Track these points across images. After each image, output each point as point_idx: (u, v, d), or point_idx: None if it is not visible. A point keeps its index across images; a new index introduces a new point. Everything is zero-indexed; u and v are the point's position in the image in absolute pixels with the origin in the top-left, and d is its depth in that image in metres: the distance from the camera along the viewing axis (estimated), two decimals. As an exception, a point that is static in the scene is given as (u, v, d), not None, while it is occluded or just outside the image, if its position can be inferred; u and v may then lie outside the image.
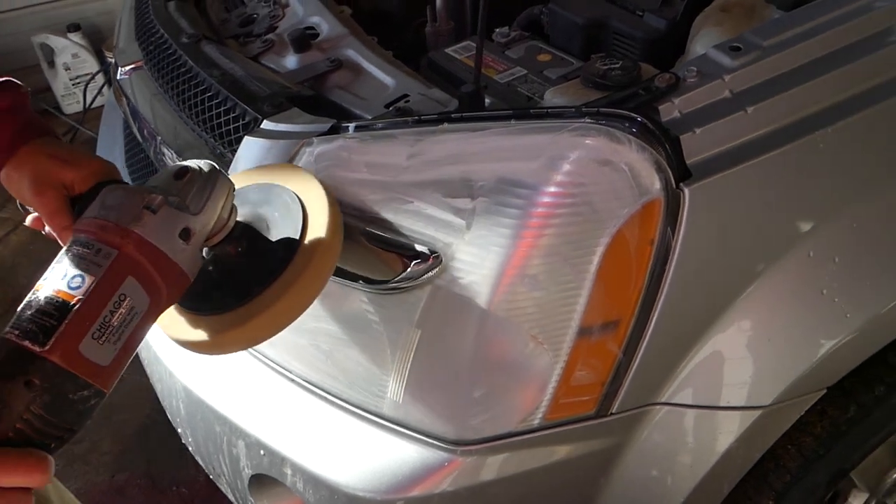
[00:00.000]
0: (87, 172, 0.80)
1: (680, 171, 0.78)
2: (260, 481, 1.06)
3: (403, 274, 0.84)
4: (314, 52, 1.21)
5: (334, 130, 0.94)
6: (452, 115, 0.85)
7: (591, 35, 1.16)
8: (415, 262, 0.83)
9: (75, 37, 3.29)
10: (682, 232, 0.79)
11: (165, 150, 1.21)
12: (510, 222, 0.78)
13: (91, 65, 3.32)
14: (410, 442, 0.91)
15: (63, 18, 3.32)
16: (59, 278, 0.62)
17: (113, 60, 1.46)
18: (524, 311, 0.80)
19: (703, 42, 0.98)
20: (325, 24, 1.26)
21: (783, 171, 0.81)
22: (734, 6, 1.02)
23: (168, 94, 1.22)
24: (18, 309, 0.62)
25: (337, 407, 0.97)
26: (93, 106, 3.17)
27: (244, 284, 0.76)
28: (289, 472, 0.99)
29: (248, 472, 1.07)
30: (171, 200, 0.68)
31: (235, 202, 0.77)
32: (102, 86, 3.22)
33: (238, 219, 0.79)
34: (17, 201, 0.83)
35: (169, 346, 1.24)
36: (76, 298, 0.60)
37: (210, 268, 0.77)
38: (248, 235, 0.79)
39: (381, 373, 0.89)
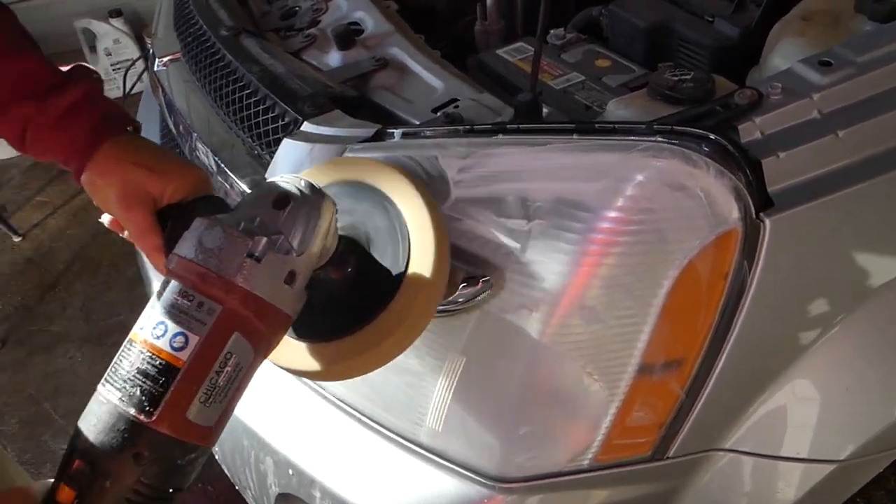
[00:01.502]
0: (178, 185, 0.74)
1: (761, 200, 0.70)
2: (287, 500, 1.01)
3: (450, 297, 0.77)
4: (358, 49, 1.14)
5: (379, 136, 0.87)
6: (508, 127, 0.78)
7: (655, 41, 1.08)
8: (462, 285, 0.76)
9: (117, 22, 3.28)
10: (759, 267, 0.71)
11: (200, 146, 1.16)
12: (569, 248, 0.71)
13: (132, 51, 3.31)
14: (447, 474, 0.85)
15: (105, 4, 3.31)
16: (160, 335, 0.57)
17: (151, 49, 1.41)
18: (579, 345, 0.73)
19: (783, 54, 0.90)
20: (370, 19, 1.20)
21: (877, 205, 0.73)
22: (817, 14, 0.93)
23: (205, 89, 1.17)
24: (116, 360, 0.58)
25: (372, 430, 0.91)
26: (132, 92, 3.16)
27: (350, 310, 0.70)
28: (318, 494, 0.94)
29: (275, 490, 1.01)
30: (274, 242, 0.61)
31: None
32: (142, 72, 3.19)
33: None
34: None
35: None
36: (181, 361, 0.56)
37: (310, 293, 0.69)
38: (351, 256, 0.72)
39: (420, 399, 0.83)
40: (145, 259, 1.35)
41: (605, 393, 0.76)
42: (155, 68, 1.35)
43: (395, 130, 0.87)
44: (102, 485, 0.54)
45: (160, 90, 1.32)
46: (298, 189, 0.64)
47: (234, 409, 0.61)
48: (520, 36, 1.38)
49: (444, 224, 0.71)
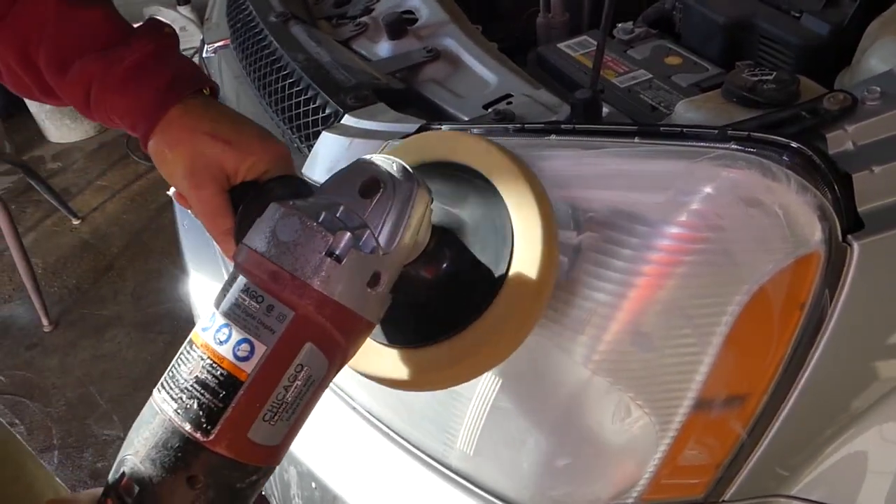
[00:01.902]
0: (255, 160, 0.65)
1: (849, 220, 0.61)
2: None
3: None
4: (410, 39, 1.09)
5: (422, 132, 0.81)
6: (562, 126, 0.71)
7: (733, 37, 0.98)
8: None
9: (184, 10, 3.31)
10: (843, 296, 0.62)
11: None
12: (623, 265, 0.63)
13: (198, 38, 3.32)
14: (477, 500, 0.78)
15: (173, -9, 3.34)
16: (223, 340, 0.50)
17: (202, 35, 1.38)
18: (630, 374, 0.65)
19: (881, 55, 0.79)
20: (424, 8, 1.13)
21: None
22: (922, 12, 0.83)
23: (251, 77, 1.13)
24: (175, 363, 0.52)
25: (400, 448, 0.84)
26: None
27: (443, 313, 0.62)
28: (340, 511, 0.88)
29: (298, 502, 0.96)
30: (358, 238, 0.52)
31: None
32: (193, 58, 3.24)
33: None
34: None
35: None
36: (245, 374, 0.49)
37: (398, 292, 0.60)
38: (446, 251, 0.63)
39: (452, 419, 0.76)
40: (183, 236, 1.33)
41: (656, 428, 0.68)
42: (204, 55, 1.31)
43: (439, 126, 0.80)
44: None
45: (208, 77, 1.29)
46: (390, 174, 0.55)
47: (302, 425, 0.53)
48: (585, 30, 1.30)
49: (553, 214, 0.61)
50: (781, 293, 0.62)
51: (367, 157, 0.57)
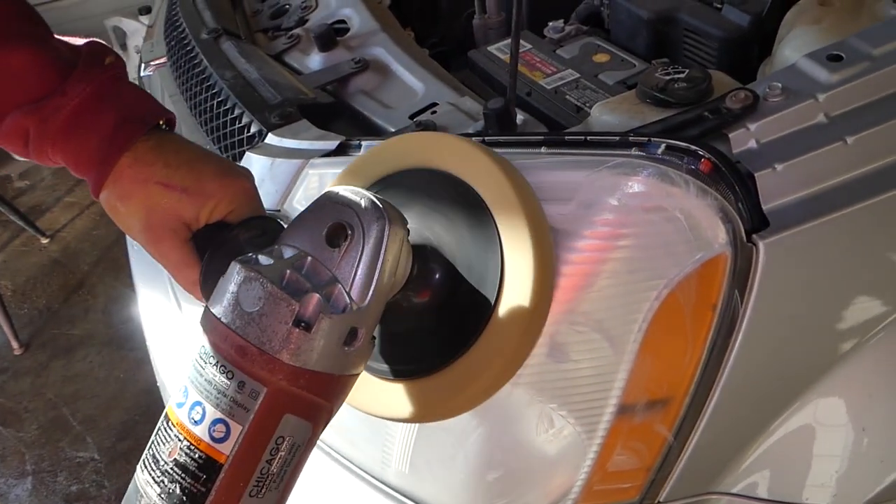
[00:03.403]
0: (216, 203, 0.60)
1: (753, 220, 0.61)
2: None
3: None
4: (341, 50, 1.08)
5: (342, 150, 0.81)
6: (472, 139, 0.70)
7: (659, 32, 0.98)
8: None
9: (146, 19, 3.27)
10: (753, 296, 0.62)
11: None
12: (533, 277, 0.63)
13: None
14: (420, 515, 0.78)
15: (134, 1, 3.31)
16: (198, 419, 0.48)
17: (139, 55, 1.37)
18: (550, 386, 0.65)
19: (795, 45, 0.79)
20: (356, 17, 1.13)
21: (892, 222, 0.63)
22: (837, -1, 0.83)
23: (184, 96, 1.12)
24: (154, 438, 0.50)
25: (342, 467, 0.84)
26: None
27: (436, 341, 0.59)
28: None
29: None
30: (326, 297, 0.49)
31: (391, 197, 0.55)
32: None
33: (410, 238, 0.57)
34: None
35: (172, 378, 1.16)
36: (224, 456, 0.47)
37: (387, 322, 0.57)
38: (431, 275, 0.59)
39: (386, 437, 0.76)
40: (132, 256, 1.32)
41: (582, 436, 0.68)
42: (142, 74, 1.30)
43: (359, 142, 0.80)
44: None
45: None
46: (357, 215, 0.51)
47: (293, 486, 0.52)
48: (524, 27, 1.29)
49: (543, 217, 0.57)
50: (691, 296, 0.62)
51: (335, 190, 0.53)
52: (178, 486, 0.47)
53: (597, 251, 0.61)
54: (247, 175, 0.63)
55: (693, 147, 0.61)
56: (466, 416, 0.69)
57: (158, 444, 0.49)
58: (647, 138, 0.63)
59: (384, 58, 1.03)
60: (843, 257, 0.63)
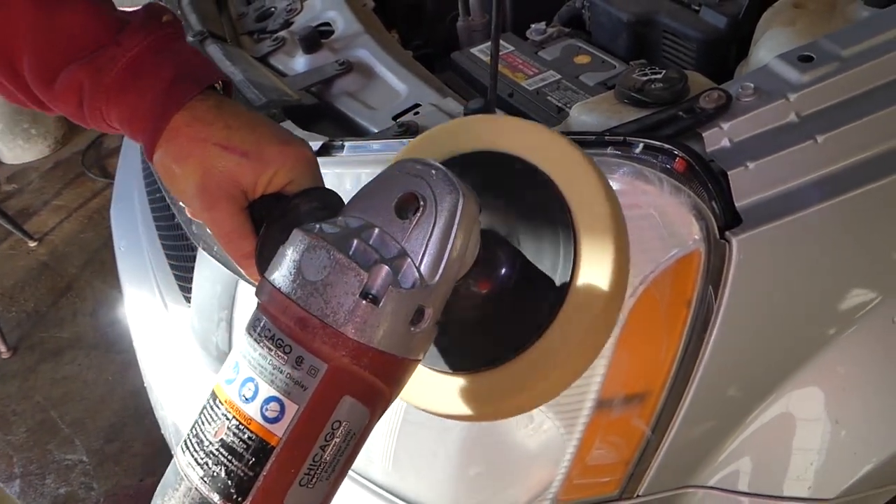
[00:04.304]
0: (276, 171, 0.55)
1: (726, 217, 0.63)
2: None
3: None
4: (325, 52, 1.08)
5: (325, 150, 0.81)
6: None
7: (638, 34, 0.99)
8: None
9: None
10: (727, 292, 0.64)
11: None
12: (512, 275, 0.64)
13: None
14: (403, 511, 0.79)
15: (120, 4, 3.31)
16: (250, 396, 0.44)
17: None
18: (528, 381, 0.66)
19: (769, 46, 0.81)
20: (340, 19, 1.13)
21: (862, 218, 0.64)
22: (810, 1, 0.84)
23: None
24: (198, 417, 0.46)
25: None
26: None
27: (502, 333, 0.54)
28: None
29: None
30: (397, 270, 0.45)
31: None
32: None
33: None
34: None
35: (158, 379, 1.16)
36: (276, 438, 0.43)
37: (448, 311, 0.52)
38: (499, 262, 0.55)
39: (371, 435, 0.77)
40: (119, 258, 1.32)
41: (561, 431, 0.69)
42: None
43: (342, 143, 0.81)
44: None
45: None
46: (430, 186, 0.47)
47: (343, 479, 0.48)
48: (509, 28, 1.30)
49: (619, 209, 0.53)
50: (667, 292, 0.64)
51: (405, 160, 0.50)
52: (223, 468, 0.44)
53: (574, 248, 0.62)
54: (308, 145, 0.59)
55: (667, 146, 0.62)
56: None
57: (203, 423, 0.45)
58: (622, 138, 0.64)
59: (368, 60, 1.04)
60: (815, 253, 0.64)
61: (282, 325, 0.45)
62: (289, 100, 0.95)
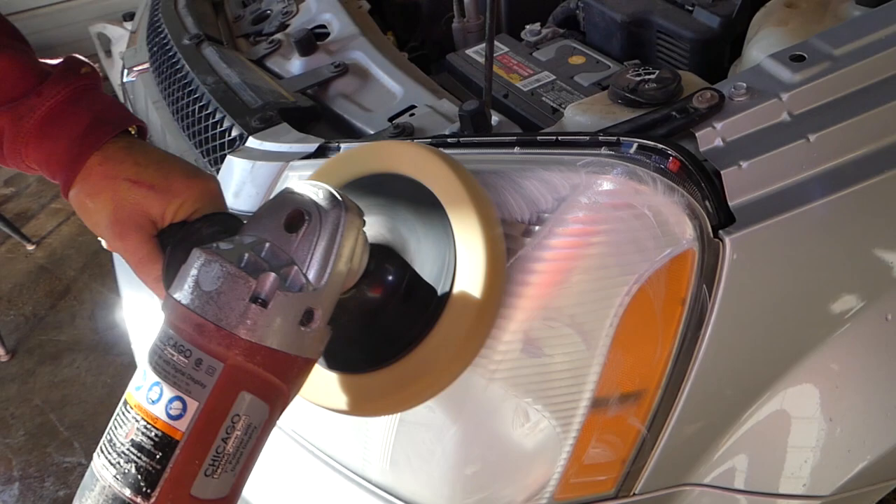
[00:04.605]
0: (181, 202, 0.61)
1: (720, 216, 0.63)
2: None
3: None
4: (321, 54, 1.09)
5: (321, 152, 0.82)
6: (448, 140, 0.72)
7: (633, 34, 1.00)
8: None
9: (130, 25, 3.27)
10: (720, 290, 0.64)
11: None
12: (509, 276, 0.64)
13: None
14: (401, 511, 0.79)
15: (118, 7, 3.32)
16: (155, 399, 0.49)
17: (121, 61, 1.38)
18: (524, 381, 0.67)
19: (761, 45, 0.81)
20: (336, 22, 1.14)
21: (855, 216, 0.65)
22: (803, 1, 0.85)
23: (166, 102, 1.13)
24: (111, 425, 0.51)
25: (325, 464, 0.85)
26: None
27: (389, 336, 0.60)
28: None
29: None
30: (283, 277, 0.50)
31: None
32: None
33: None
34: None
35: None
36: (180, 433, 0.48)
37: (342, 314, 0.59)
38: (387, 270, 0.61)
39: (367, 434, 0.78)
40: (116, 260, 1.33)
41: (557, 430, 0.69)
42: (125, 80, 1.31)
43: (339, 144, 0.81)
44: None
45: (128, 103, 1.29)
46: (315, 203, 0.53)
47: (250, 471, 0.52)
48: (504, 30, 1.31)
49: (496, 220, 0.59)
50: (661, 291, 0.64)
51: (293, 184, 0.56)
52: (133, 465, 0.48)
53: (568, 248, 0.63)
54: (213, 178, 0.65)
55: (661, 146, 0.63)
56: (444, 412, 0.71)
57: (115, 428, 0.50)
58: (616, 138, 0.64)
59: (363, 62, 1.04)
60: (808, 252, 0.65)
61: (182, 333, 0.49)
62: (285, 102, 0.95)
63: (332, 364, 0.62)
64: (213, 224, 0.63)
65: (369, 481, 0.80)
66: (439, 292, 0.58)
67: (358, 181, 0.65)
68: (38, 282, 2.46)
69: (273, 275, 0.49)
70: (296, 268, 0.51)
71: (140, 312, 1.22)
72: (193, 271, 0.50)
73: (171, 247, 0.62)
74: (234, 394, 0.49)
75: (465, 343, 0.57)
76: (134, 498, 0.47)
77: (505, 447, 0.71)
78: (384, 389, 0.59)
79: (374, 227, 0.62)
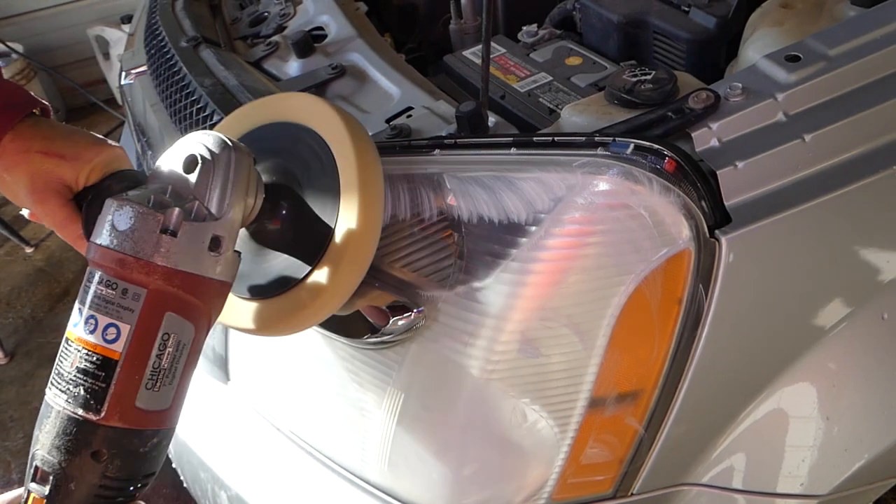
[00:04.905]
0: (91, 167, 0.69)
1: (716, 216, 0.63)
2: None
3: (382, 327, 0.72)
4: (318, 56, 1.09)
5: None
6: (445, 142, 0.72)
7: (629, 35, 1.00)
8: (396, 316, 0.71)
9: (128, 28, 3.27)
10: (717, 290, 0.64)
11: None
12: (506, 277, 0.65)
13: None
14: (399, 512, 0.80)
15: (116, 10, 3.32)
16: (92, 329, 0.55)
17: (121, 63, 1.38)
18: (522, 381, 0.67)
19: (757, 46, 0.82)
20: (333, 24, 1.14)
21: (850, 216, 0.65)
22: (798, 1, 0.85)
23: (164, 104, 1.13)
24: (57, 361, 0.57)
25: (324, 465, 0.86)
26: (144, 98, 3.17)
27: (286, 264, 0.67)
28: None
29: (234, 524, 0.97)
30: (188, 211, 0.57)
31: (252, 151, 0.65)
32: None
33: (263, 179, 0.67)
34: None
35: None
36: (117, 353, 0.55)
37: (248, 248, 0.68)
38: (282, 204, 0.68)
39: (365, 435, 0.78)
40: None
41: (555, 430, 0.70)
42: (123, 82, 1.31)
43: (335, 146, 0.81)
44: (67, 488, 0.54)
45: (126, 106, 1.29)
46: (206, 146, 0.60)
47: (188, 385, 0.59)
48: (501, 31, 1.31)
49: (374, 158, 0.66)
50: (657, 291, 0.64)
51: (189, 134, 0.63)
52: (81, 388, 0.54)
53: (565, 248, 0.63)
54: (119, 146, 0.72)
55: (657, 146, 0.63)
56: (442, 413, 0.71)
57: (61, 361, 0.56)
58: (612, 138, 0.64)
59: (361, 63, 1.04)
60: (804, 251, 0.65)
61: (107, 270, 0.56)
62: (282, 104, 0.95)
63: (245, 292, 0.69)
64: (122, 181, 0.71)
65: (367, 482, 0.81)
66: (327, 225, 0.65)
67: (254, 130, 0.73)
68: (36, 284, 2.46)
69: (178, 209, 0.56)
70: (198, 203, 0.58)
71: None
72: (109, 216, 0.57)
73: (86, 204, 0.69)
74: (160, 314, 0.56)
75: (348, 267, 0.64)
76: (86, 415, 0.54)
77: (503, 447, 0.71)
78: (285, 311, 0.67)
79: (273, 170, 0.69)
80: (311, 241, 0.66)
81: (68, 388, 0.55)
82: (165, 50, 1.17)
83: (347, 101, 1.00)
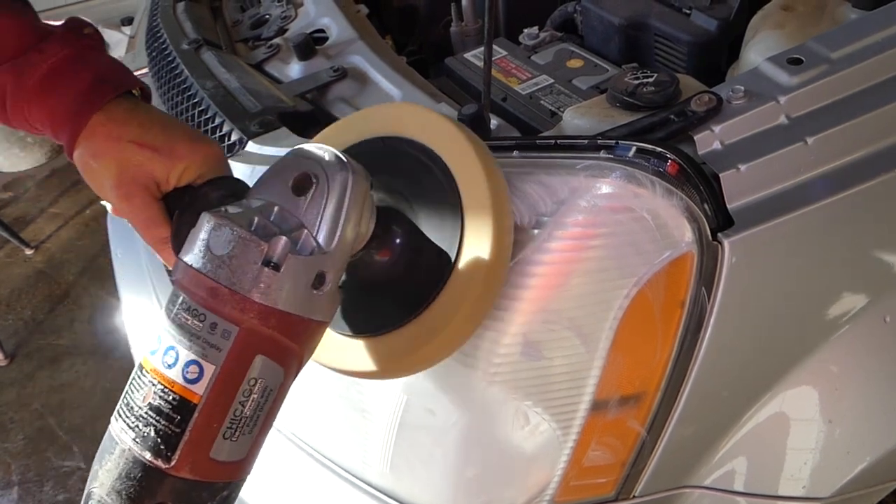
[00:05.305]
0: (186, 165, 0.61)
1: (718, 219, 0.63)
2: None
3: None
4: (319, 58, 1.09)
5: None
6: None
7: (630, 37, 1.00)
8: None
9: (129, 30, 3.27)
10: (720, 293, 0.64)
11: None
12: (509, 279, 0.64)
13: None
14: (401, 514, 0.80)
15: (116, 12, 3.31)
16: (171, 363, 0.49)
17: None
18: (524, 384, 0.67)
19: (758, 48, 0.82)
20: (334, 26, 1.14)
21: (853, 219, 0.65)
22: (800, 3, 0.85)
23: (166, 106, 1.13)
24: (128, 389, 0.51)
25: (325, 467, 0.86)
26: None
27: (399, 298, 0.60)
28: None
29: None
30: (295, 241, 0.51)
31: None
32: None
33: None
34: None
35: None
36: (197, 396, 0.48)
37: (350, 281, 0.60)
38: (395, 233, 0.61)
39: (367, 437, 0.78)
40: (116, 265, 1.33)
41: (557, 433, 0.69)
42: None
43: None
44: None
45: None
46: (321, 166, 0.53)
47: (267, 433, 0.53)
48: (502, 33, 1.31)
49: (502, 181, 0.59)
50: (660, 294, 0.64)
51: (300, 146, 0.56)
52: (152, 429, 0.48)
53: (568, 251, 0.63)
54: (216, 143, 0.65)
55: (660, 149, 0.63)
56: (444, 415, 0.71)
57: (132, 392, 0.50)
58: (614, 141, 0.64)
59: (362, 66, 1.04)
60: (807, 254, 0.65)
61: (195, 297, 0.49)
62: (284, 106, 0.96)
63: (344, 328, 0.62)
64: (220, 188, 0.63)
65: (369, 484, 0.81)
66: (447, 255, 0.58)
67: (361, 143, 0.65)
68: (36, 286, 2.46)
69: (284, 238, 0.49)
70: (306, 231, 0.51)
71: (139, 316, 1.22)
72: (203, 235, 0.50)
73: (179, 211, 0.61)
74: (250, 357, 0.49)
75: (476, 303, 0.57)
76: (154, 461, 0.47)
77: (505, 450, 0.71)
78: (395, 352, 0.59)
79: (380, 190, 0.62)
80: (428, 271, 0.59)
81: (137, 426, 0.48)
82: (167, 52, 1.17)
83: (349, 104, 1.00)
